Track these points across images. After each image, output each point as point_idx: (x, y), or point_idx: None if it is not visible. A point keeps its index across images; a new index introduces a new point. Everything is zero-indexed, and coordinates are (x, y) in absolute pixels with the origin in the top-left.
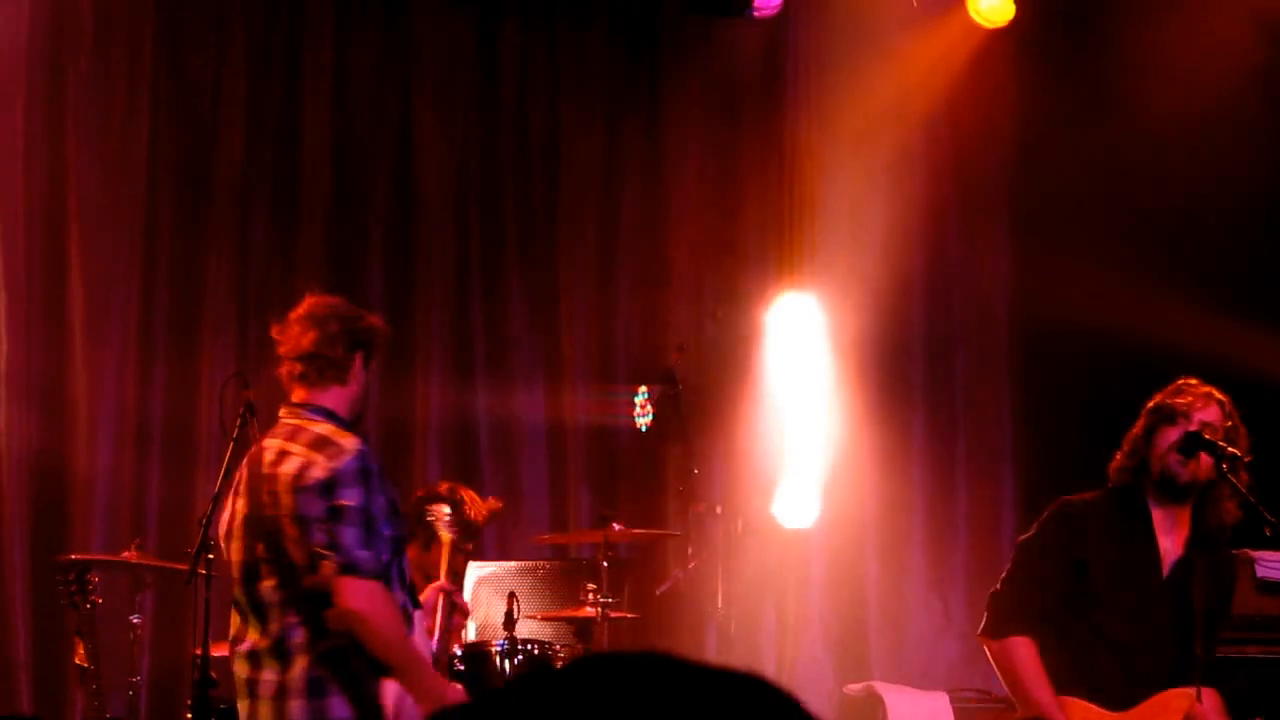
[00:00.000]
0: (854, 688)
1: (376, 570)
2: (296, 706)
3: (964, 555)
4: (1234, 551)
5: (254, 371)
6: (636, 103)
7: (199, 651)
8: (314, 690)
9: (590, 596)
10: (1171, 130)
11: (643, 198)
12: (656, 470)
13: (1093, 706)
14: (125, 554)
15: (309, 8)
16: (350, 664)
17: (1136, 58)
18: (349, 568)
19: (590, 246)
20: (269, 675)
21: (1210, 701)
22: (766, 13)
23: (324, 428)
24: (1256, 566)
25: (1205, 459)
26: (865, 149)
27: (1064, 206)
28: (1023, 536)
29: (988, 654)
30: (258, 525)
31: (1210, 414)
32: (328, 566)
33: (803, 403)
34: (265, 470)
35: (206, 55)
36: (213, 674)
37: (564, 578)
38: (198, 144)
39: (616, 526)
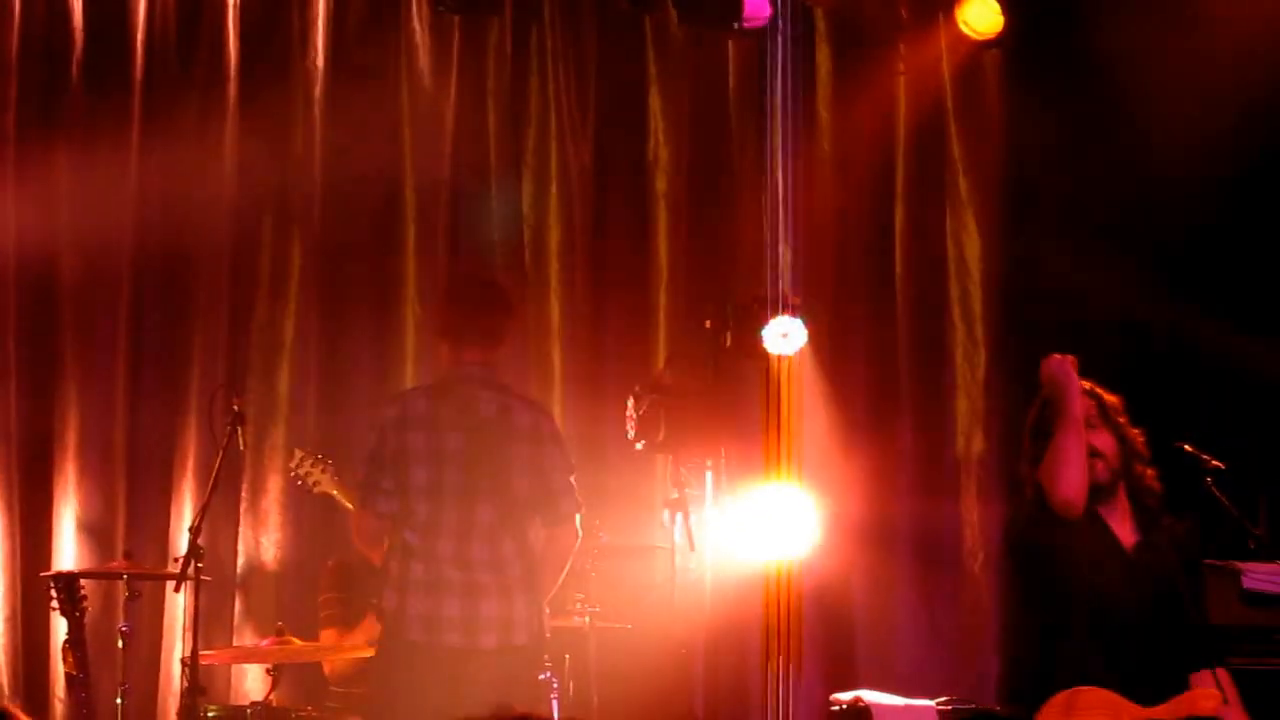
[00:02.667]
0: (841, 697)
1: None
2: None
3: (952, 563)
4: (1181, 522)
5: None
6: (625, 111)
7: (186, 659)
8: None
9: (579, 606)
10: (1165, 140)
11: (628, 205)
12: (647, 480)
13: (1119, 698)
14: (113, 564)
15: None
16: None
17: (1126, 66)
18: None
19: (580, 253)
20: None
21: (1224, 681)
22: (755, 24)
23: None
24: (1243, 578)
25: (1104, 441)
26: (853, 161)
27: (1058, 217)
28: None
29: None
30: None
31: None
32: None
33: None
34: None
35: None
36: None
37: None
38: None
39: (604, 537)
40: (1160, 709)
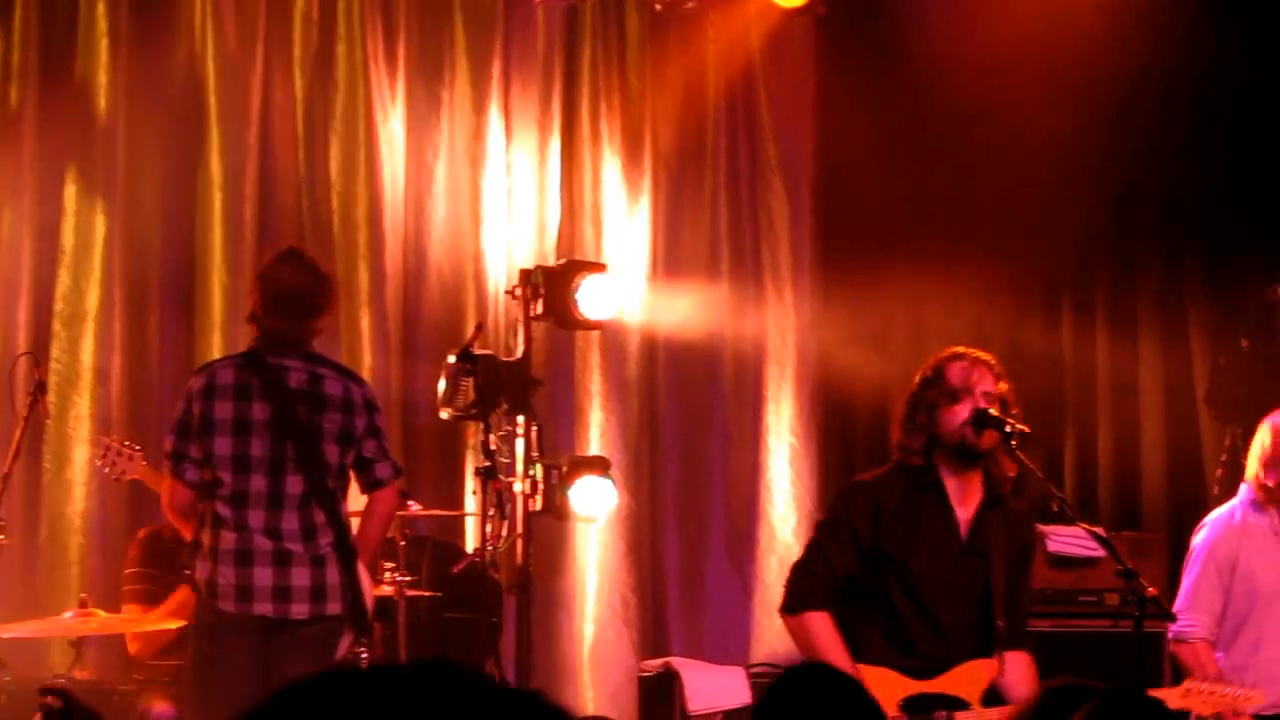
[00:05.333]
0: (651, 664)
1: None
2: None
3: (762, 531)
4: (1026, 505)
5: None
6: (434, 79)
7: None
8: None
9: (388, 575)
10: (970, 107)
11: (441, 173)
12: (456, 448)
13: (896, 674)
14: None
15: None
16: None
17: (935, 35)
18: None
19: (393, 221)
20: None
21: (1022, 665)
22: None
23: None
24: (1047, 541)
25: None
26: (662, 132)
27: (868, 186)
28: (820, 515)
29: (789, 630)
30: None
31: (988, 382)
32: None
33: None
34: None
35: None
36: None
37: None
38: None
39: (414, 505)
40: (935, 680)
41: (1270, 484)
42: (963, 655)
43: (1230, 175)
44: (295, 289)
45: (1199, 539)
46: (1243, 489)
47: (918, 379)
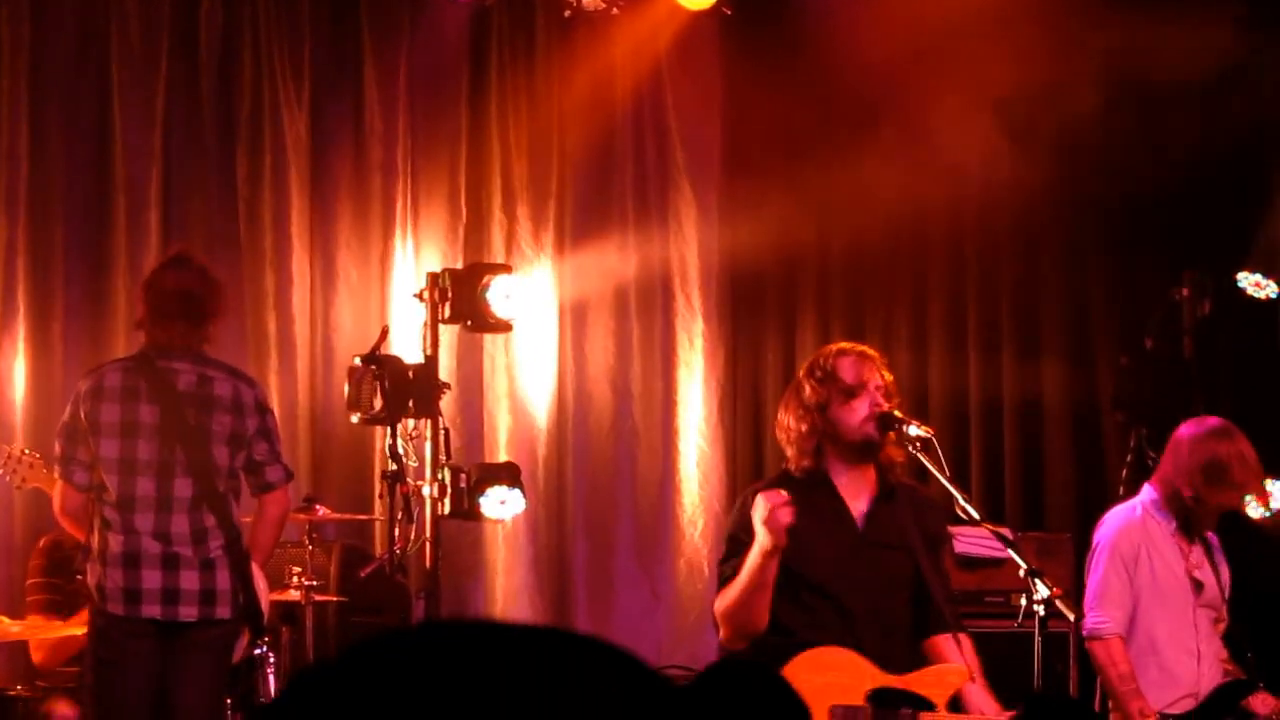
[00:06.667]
0: None
1: None
2: None
3: (671, 533)
4: (919, 487)
5: None
6: (341, 82)
7: None
8: None
9: (295, 580)
10: (875, 107)
11: (351, 179)
12: (365, 452)
13: (868, 663)
14: None
15: None
16: None
17: (840, 36)
18: None
19: (300, 225)
20: None
21: (965, 646)
22: None
23: None
24: (954, 542)
25: (862, 408)
26: (570, 132)
27: (772, 190)
28: (725, 530)
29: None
30: None
31: (878, 375)
32: None
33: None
34: None
35: None
36: None
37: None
38: None
39: (320, 509)
40: (905, 677)
41: (1185, 494)
42: (889, 644)
43: (1131, 176)
44: (182, 293)
45: (1102, 534)
46: (1147, 489)
47: (804, 377)
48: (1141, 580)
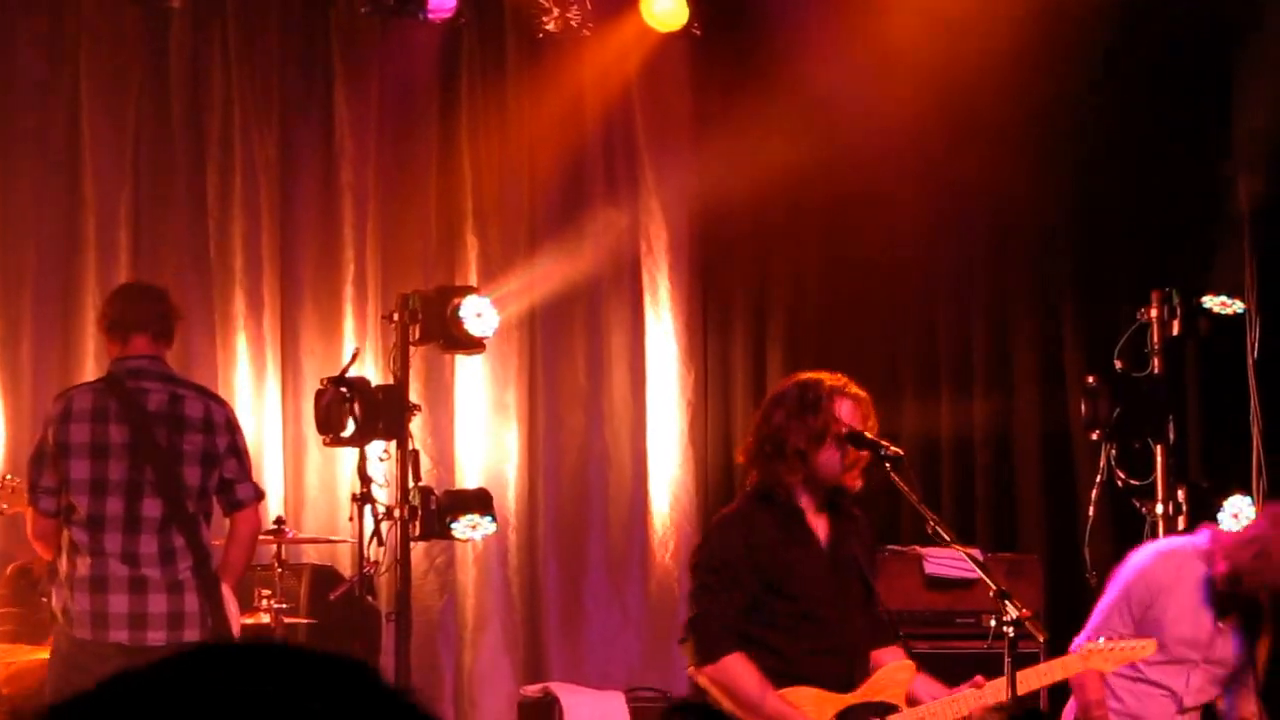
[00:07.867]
0: (530, 689)
1: None
2: None
3: (642, 554)
4: (860, 512)
5: None
6: (311, 102)
7: None
8: None
9: (265, 603)
10: (846, 129)
11: (314, 196)
12: (335, 473)
13: (822, 691)
14: None
15: None
16: None
17: (810, 56)
18: None
19: (270, 246)
20: None
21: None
22: (440, 15)
23: None
24: (925, 563)
25: (853, 453)
26: (541, 153)
27: (741, 212)
28: (695, 560)
29: (706, 683)
30: None
31: (856, 416)
32: None
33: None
34: None
35: None
36: None
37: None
38: None
39: (290, 532)
40: (859, 692)
41: (1247, 584)
42: (861, 659)
43: (1097, 198)
44: (149, 310)
45: (1129, 565)
46: (1206, 537)
47: (796, 404)
48: (1148, 624)
